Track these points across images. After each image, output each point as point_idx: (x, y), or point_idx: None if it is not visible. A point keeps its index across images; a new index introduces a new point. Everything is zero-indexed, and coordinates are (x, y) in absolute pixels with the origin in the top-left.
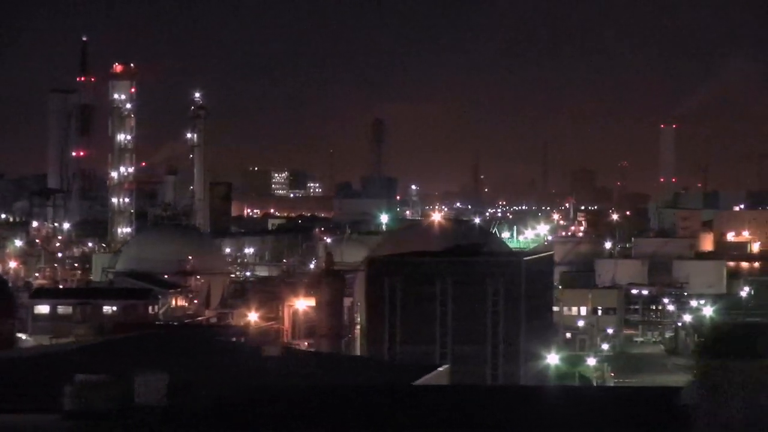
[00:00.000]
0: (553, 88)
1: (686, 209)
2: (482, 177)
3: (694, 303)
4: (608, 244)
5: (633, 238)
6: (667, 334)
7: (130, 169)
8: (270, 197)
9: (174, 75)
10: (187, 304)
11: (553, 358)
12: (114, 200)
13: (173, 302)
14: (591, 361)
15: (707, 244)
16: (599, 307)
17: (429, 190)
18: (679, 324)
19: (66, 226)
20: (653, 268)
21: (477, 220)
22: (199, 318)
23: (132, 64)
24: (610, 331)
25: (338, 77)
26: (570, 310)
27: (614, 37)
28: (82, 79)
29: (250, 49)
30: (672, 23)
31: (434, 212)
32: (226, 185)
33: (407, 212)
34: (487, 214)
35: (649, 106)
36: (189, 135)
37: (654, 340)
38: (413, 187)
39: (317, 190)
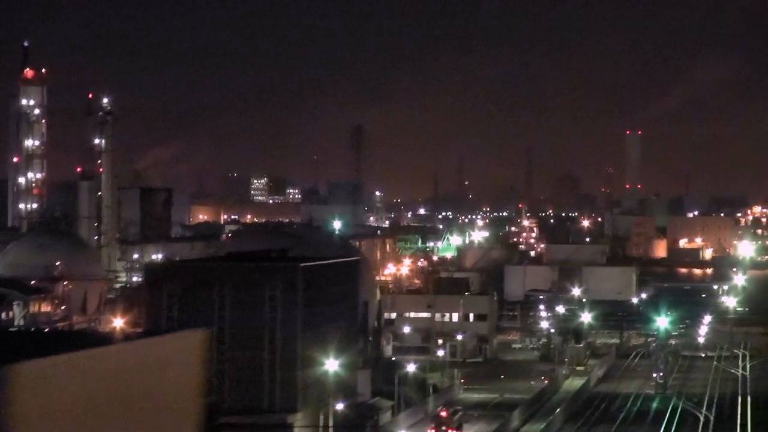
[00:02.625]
0: (538, 94)
1: (640, 215)
2: (467, 183)
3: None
4: None
5: (543, 245)
6: (543, 341)
7: (39, 175)
8: (249, 203)
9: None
10: (52, 310)
11: (332, 365)
12: (21, 206)
13: (36, 308)
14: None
15: (661, 250)
16: (471, 313)
17: (413, 196)
18: (552, 331)
19: None
20: (563, 274)
21: (440, 227)
22: (63, 324)
23: (43, 69)
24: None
25: (322, 82)
26: (443, 316)
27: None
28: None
29: (231, 54)
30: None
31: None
32: (166, 191)
33: (371, 218)
34: (467, 219)
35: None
36: (97, 141)
37: (531, 346)
38: (377, 193)
39: (297, 196)
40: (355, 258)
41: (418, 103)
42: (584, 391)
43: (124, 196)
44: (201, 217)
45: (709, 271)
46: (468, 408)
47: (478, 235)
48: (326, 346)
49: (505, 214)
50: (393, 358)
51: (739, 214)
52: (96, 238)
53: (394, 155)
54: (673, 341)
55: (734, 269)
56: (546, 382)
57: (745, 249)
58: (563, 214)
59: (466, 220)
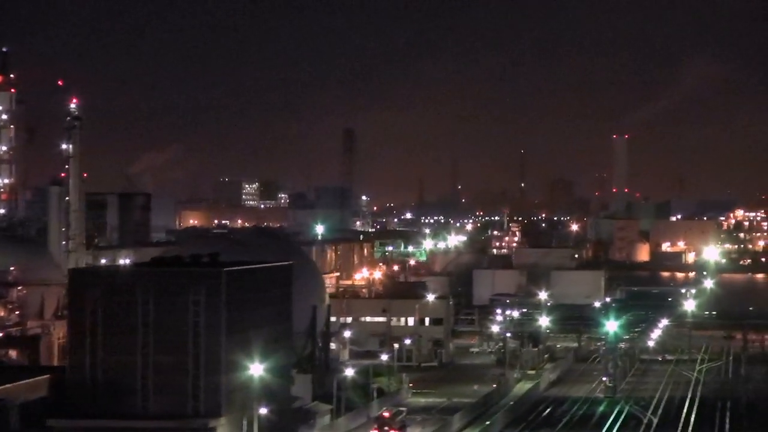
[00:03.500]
0: (533, 98)
1: (624, 219)
2: (459, 187)
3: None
4: None
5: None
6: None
7: (7, 180)
8: (240, 208)
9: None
10: (6, 315)
11: (257, 369)
12: None
13: None
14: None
15: (644, 254)
16: (426, 318)
17: (406, 200)
18: (508, 335)
19: None
20: (531, 278)
21: (426, 231)
22: (16, 329)
23: (12, 75)
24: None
25: (316, 86)
26: (399, 320)
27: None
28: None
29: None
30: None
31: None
32: (145, 196)
33: (357, 222)
34: (458, 223)
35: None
36: (64, 146)
37: (489, 350)
38: (363, 197)
39: (288, 201)
40: (287, 263)
41: (411, 108)
42: (532, 395)
43: (104, 201)
44: (192, 221)
45: (691, 274)
46: (414, 411)
47: (454, 240)
48: (252, 351)
49: (497, 218)
50: (346, 362)
51: (723, 218)
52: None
53: (388, 159)
54: (623, 345)
55: (704, 273)
56: (494, 386)
57: (711, 253)
58: (555, 218)
59: (458, 225)
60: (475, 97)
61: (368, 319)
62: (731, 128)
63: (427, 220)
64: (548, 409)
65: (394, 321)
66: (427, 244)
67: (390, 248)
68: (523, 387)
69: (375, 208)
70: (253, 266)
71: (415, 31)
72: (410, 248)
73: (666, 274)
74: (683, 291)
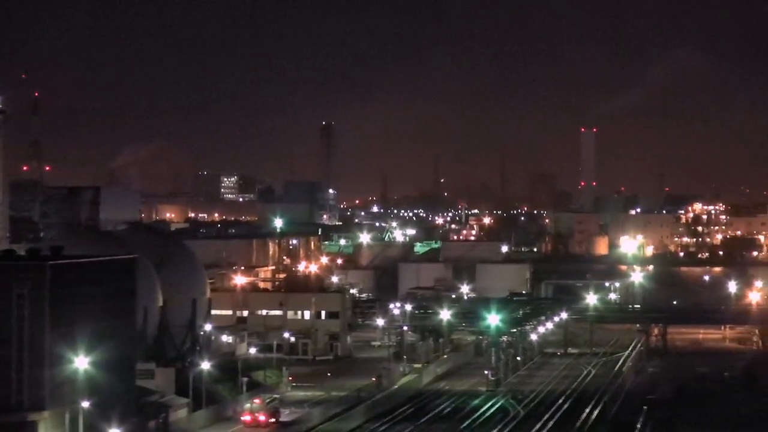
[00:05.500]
0: (515, 91)
1: (583, 213)
2: (442, 180)
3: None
4: (504, 248)
5: (441, 242)
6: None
7: None
8: (218, 202)
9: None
10: None
11: (82, 362)
12: None
13: None
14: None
15: (602, 247)
16: (323, 311)
17: (389, 194)
18: (404, 328)
19: None
20: (457, 272)
21: (394, 224)
22: None
23: None
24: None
25: (297, 80)
26: (296, 313)
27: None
28: None
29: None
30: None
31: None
32: (94, 189)
33: (324, 216)
34: (437, 217)
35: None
36: None
37: (390, 344)
38: (330, 191)
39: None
40: (130, 257)
41: (392, 102)
42: (410, 389)
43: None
44: (168, 215)
45: (650, 267)
46: (287, 405)
47: (399, 234)
48: (79, 345)
49: (476, 211)
50: (216, 356)
51: (681, 212)
52: None
53: (370, 154)
54: (506, 338)
55: (632, 266)
56: (373, 379)
57: (628, 246)
58: (535, 212)
59: (439, 219)
60: (456, 91)
61: (265, 312)
62: (716, 122)
63: (406, 215)
64: (420, 404)
65: (291, 314)
66: (363, 237)
67: (342, 242)
68: (406, 381)
69: (357, 201)
70: (83, 260)
71: (395, 27)
72: (342, 242)
73: (624, 267)
74: (607, 285)
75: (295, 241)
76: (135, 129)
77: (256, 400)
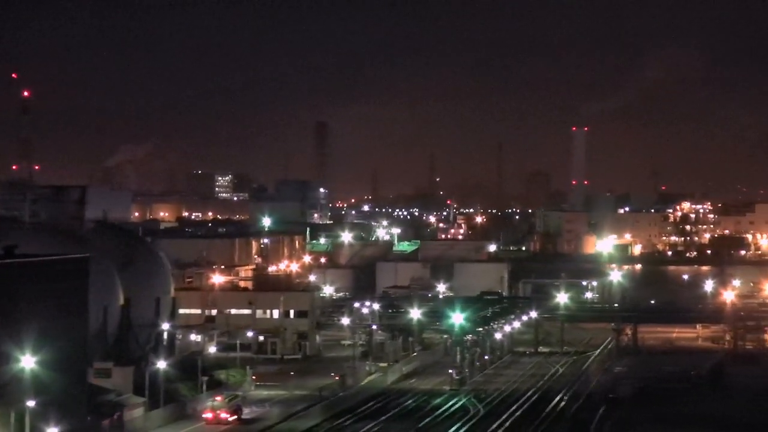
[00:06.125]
0: (511, 90)
1: (572, 212)
2: (438, 179)
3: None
4: (492, 247)
5: (420, 241)
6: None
7: None
8: (212, 200)
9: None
10: None
11: (28, 361)
12: None
13: None
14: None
15: (591, 246)
16: (291, 310)
17: (385, 193)
18: (373, 327)
19: None
20: (435, 271)
21: (384, 223)
22: None
23: None
24: None
25: (292, 79)
26: (264, 312)
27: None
28: None
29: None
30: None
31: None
32: (81, 189)
33: (315, 215)
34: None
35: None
36: None
37: (360, 343)
38: (321, 190)
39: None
40: (82, 256)
41: (387, 102)
42: (373, 388)
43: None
44: (162, 214)
45: (638, 266)
46: (250, 404)
47: (383, 233)
48: (24, 344)
49: (471, 210)
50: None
51: (670, 211)
52: None
53: (366, 153)
54: (469, 338)
55: (612, 265)
56: (337, 378)
57: (603, 245)
58: (530, 210)
59: (432, 218)
60: (453, 89)
61: (233, 311)
62: (712, 120)
63: (400, 214)
64: (382, 402)
65: (260, 313)
66: (345, 236)
67: (322, 241)
68: (370, 379)
69: (353, 200)
70: (31, 259)
71: (390, 26)
72: (322, 240)
73: (613, 266)
74: (584, 284)
75: (266, 241)
76: (130, 128)
77: (218, 398)
